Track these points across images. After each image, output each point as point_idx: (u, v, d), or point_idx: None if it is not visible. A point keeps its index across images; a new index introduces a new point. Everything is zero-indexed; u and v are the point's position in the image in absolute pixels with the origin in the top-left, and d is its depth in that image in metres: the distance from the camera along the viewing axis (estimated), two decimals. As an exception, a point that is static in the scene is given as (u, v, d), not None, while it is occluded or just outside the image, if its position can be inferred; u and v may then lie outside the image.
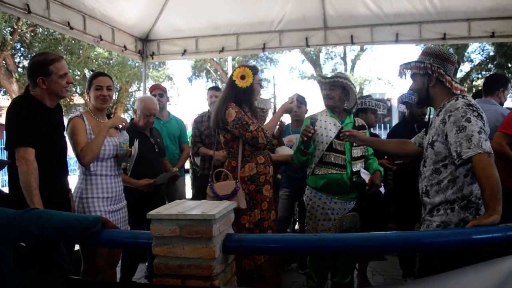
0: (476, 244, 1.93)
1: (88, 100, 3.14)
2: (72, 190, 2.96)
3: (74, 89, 16.31)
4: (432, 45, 2.54)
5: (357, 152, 3.42)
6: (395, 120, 16.24)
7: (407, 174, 3.94)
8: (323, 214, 3.41)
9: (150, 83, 15.47)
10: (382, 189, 3.62)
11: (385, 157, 4.00)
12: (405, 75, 2.56)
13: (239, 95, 3.23)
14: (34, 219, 1.89)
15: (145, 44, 6.32)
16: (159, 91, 4.81)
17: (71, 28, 4.73)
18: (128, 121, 3.38)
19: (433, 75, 2.41)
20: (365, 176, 3.42)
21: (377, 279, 4.22)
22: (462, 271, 1.84)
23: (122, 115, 18.21)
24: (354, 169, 3.39)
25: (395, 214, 4.28)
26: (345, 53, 25.06)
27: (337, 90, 3.44)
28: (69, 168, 2.86)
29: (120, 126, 3.07)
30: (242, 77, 3.22)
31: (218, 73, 24.14)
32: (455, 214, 2.29)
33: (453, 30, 5.42)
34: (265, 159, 3.30)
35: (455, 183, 2.31)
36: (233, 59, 19.83)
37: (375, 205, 3.94)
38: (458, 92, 2.37)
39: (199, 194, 4.99)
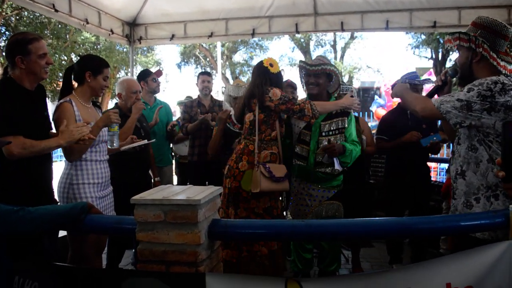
0: (463, 231, 1.93)
1: (87, 83, 2.91)
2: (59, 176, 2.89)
3: (60, 74, 16.04)
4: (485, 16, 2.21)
5: (326, 142, 3.30)
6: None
7: (400, 161, 3.94)
8: (301, 200, 3.44)
9: (138, 68, 15.29)
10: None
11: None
12: (453, 46, 2.24)
13: (274, 80, 3.32)
14: (25, 218, 1.90)
15: (133, 29, 6.18)
16: (158, 77, 4.87)
17: (56, 11, 4.59)
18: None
19: (478, 49, 2.10)
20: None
21: (364, 265, 4.24)
22: (450, 257, 1.83)
23: (109, 101, 17.99)
24: (318, 160, 3.34)
25: (384, 202, 4.29)
26: (335, 41, 25.06)
27: (323, 77, 3.42)
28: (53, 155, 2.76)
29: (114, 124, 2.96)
30: (271, 65, 3.34)
31: (207, 59, 23.98)
32: (500, 202, 1.99)
33: (443, 18, 5.39)
34: (278, 151, 3.32)
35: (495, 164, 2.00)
36: (223, 45, 19.69)
37: (359, 193, 3.94)
38: (504, 71, 2.07)
39: (183, 181, 5.02)
